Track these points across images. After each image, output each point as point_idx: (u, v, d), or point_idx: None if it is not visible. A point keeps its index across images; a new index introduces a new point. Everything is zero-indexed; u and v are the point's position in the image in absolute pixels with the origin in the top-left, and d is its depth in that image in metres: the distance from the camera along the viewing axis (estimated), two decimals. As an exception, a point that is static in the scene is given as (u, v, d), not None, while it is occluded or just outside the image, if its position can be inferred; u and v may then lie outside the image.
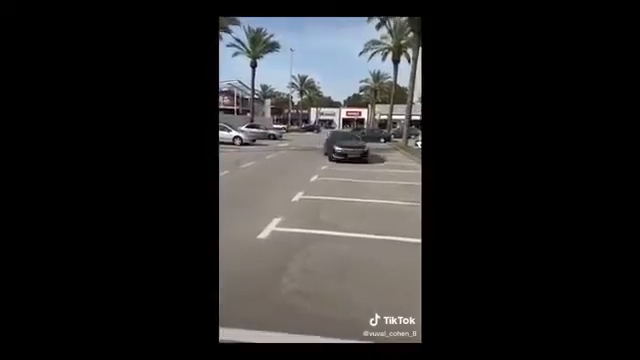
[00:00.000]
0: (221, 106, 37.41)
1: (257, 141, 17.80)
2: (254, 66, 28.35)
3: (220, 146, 14.51)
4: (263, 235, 3.57)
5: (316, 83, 55.21)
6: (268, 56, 29.09)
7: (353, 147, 10.38)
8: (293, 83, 50.63)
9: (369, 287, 2.49)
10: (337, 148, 10.30)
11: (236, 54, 28.09)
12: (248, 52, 27.96)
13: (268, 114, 45.55)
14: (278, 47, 28.97)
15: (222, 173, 7.62)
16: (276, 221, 4.03)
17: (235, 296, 2.27)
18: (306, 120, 52.48)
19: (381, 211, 4.86)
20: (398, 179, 7.71)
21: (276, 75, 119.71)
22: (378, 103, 43.99)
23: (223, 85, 38.10)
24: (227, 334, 1.83)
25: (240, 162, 9.76)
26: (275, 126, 31.92)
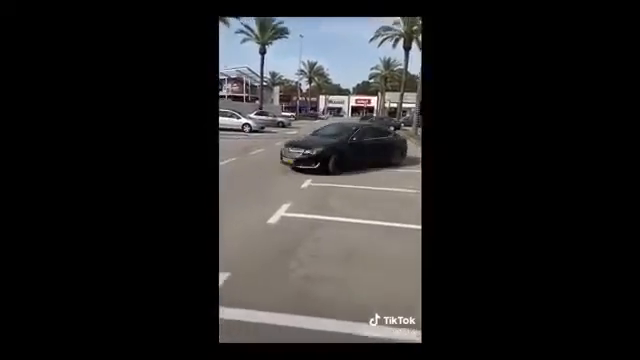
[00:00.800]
0: (230, 93, 37.47)
1: (266, 128, 17.80)
2: (263, 53, 28.11)
3: (229, 133, 14.58)
4: (273, 220, 3.61)
5: (325, 70, 54.69)
6: (277, 43, 28.92)
7: (299, 147, 6.71)
8: (302, 70, 50.20)
9: (372, 270, 2.52)
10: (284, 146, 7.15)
11: (245, 40, 27.92)
12: (257, 38, 27.72)
13: (277, 101, 45.46)
14: (287, 33, 28.64)
15: (231, 160, 7.69)
16: (285, 207, 4.06)
17: (240, 283, 2.32)
18: (314, 108, 52.17)
19: (388, 198, 4.85)
20: (407, 167, 7.67)
21: (285, 63, 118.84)
22: (388, 91, 43.38)
23: (232, 72, 38.04)
24: (228, 314, 1.90)
25: (249, 149, 9.81)
26: (283, 114, 31.87)
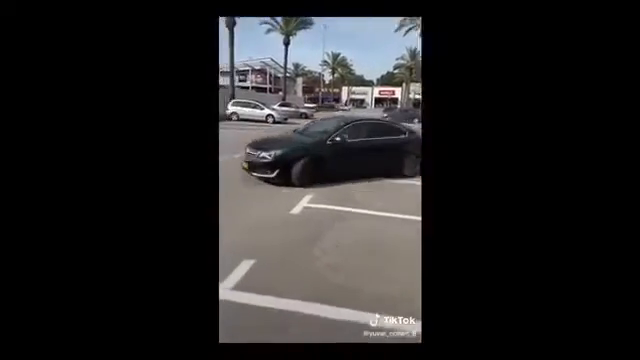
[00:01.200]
0: (254, 84, 37.89)
1: (289, 120, 17.92)
2: (287, 43, 28.11)
3: (253, 124, 14.75)
4: (296, 210, 3.71)
5: (348, 61, 53.98)
6: (301, 34, 28.80)
7: (257, 149, 4.77)
8: (325, 61, 49.87)
9: (375, 254, 2.56)
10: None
11: (269, 31, 28.02)
12: (281, 28, 27.74)
13: (300, 93, 45.49)
14: (311, 23, 28.47)
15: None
16: (307, 198, 4.14)
17: (264, 267, 2.43)
18: (337, 99, 51.86)
19: (407, 190, 4.82)
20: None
21: (309, 54, 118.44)
22: (413, 82, 42.34)
23: (256, 63, 38.41)
24: (241, 297, 1.99)
25: (272, 140, 9.92)
26: (306, 105, 31.91)
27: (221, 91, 21.33)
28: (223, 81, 28.35)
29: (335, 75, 53.26)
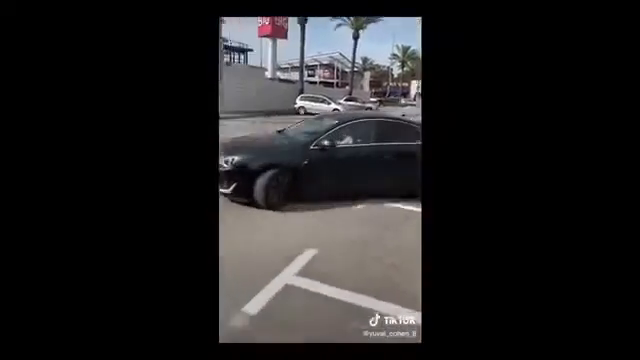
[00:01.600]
0: (321, 79, 38.64)
1: (354, 114, 17.97)
2: (356, 37, 28.05)
3: (319, 118, 15.12)
4: (360, 206, 3.82)
5: (419, 54, 51.61)
6: (371, 27, 28.47)
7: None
8: (394, 54, 48.52)
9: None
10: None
11: (339, 25, 28.23)
12: (351, 23, 27.72)
13: (367, 87, 45.09)
14: (381, 17, 27.94)
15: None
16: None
17: (333, 255, 2.59)
18: (404, 94, 50.17)
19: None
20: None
21: (377, 48, 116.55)
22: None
23: (324, 58, 39.08)
24: (303, 283, 2.12)
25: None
26: (372, 99, 31.59)
27: (291, 86, 22.24)
28: (293, 76, 29.46)
29: (404, 69, 51.52)
